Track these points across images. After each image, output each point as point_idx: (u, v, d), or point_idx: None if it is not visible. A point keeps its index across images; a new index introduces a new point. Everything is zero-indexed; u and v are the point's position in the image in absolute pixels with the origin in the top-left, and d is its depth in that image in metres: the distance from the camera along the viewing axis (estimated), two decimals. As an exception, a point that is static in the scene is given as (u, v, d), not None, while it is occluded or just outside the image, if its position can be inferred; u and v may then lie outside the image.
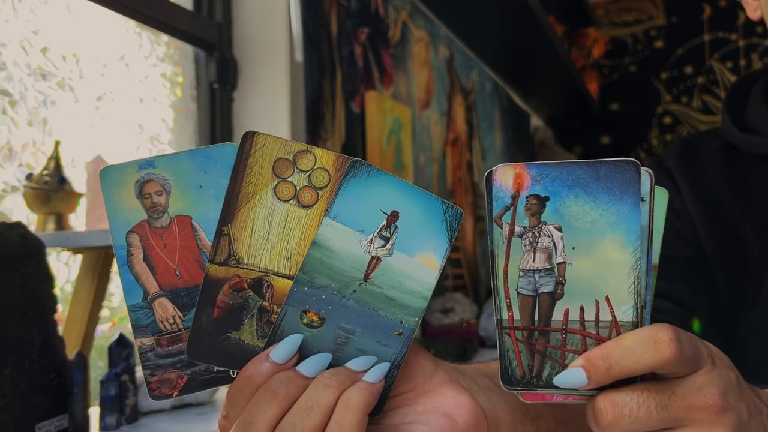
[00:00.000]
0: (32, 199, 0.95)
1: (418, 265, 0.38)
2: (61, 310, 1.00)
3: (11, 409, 0.72)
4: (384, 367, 0.36)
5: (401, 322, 0.38)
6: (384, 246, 0.38)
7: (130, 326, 1.15)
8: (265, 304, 0.37)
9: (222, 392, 1.12)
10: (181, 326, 0.38)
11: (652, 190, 0.34)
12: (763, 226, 0.67)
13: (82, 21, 1.16)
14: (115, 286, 1.18)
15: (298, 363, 0.36)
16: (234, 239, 0.37)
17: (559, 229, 0.34)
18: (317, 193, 0.38)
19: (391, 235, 0.38)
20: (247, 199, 0.37)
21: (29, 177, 0.97)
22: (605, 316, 0.34)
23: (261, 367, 0.35)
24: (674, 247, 0.68)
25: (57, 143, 0.99)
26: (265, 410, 0.34)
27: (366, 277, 0.37)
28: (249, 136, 0.37)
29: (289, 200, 0.38)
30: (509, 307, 0.35)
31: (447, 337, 1.69)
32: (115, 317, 1.18)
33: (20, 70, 1.04)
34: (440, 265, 0.38)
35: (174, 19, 1.34)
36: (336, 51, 1.61)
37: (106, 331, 1.15)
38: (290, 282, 0.37)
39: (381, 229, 0.38)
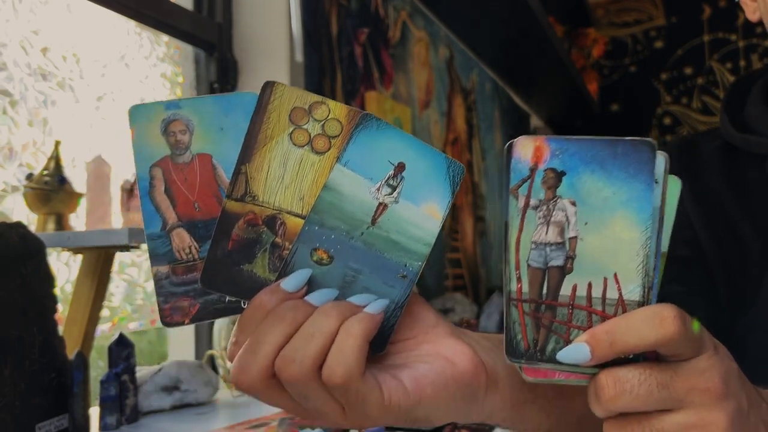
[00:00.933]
0: (32, 199, 0.95)
1: (423, 214, 0.40)
2: (61, 310, 1.00)
3: (11, 409, 0.72)
4: (384, 302, 0.38)
5: (405, 265, 0.40)
6: (391, 194, 0.40)
7: (130, 326, 1.15)
8: (278, 240, 0.39)
9: (222, 393, 1.12)
10: (196, 256, 0.39)
11: (665, 173, 0.34)
12: (762, 226, 0.67)
13: (82, 21, 1.17)
14: (116, 286, 1.19)
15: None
16: (251, 178, 0.39)
17: (574, 204, 0.34)
18: (330, 141, 0.40)
19: (398, 184, 0.40)
20: (265, 142, 0.39)
21: (29, 177, 0.97)
22: (612, 294, 0.34)
23: (272, 295, 0.37)
24: (673, 246, 0.68)
25: (57, 143, 0.99)
26: (271, 332, 0.36)
27: (373, 221, 0.39)
28: (269, 86, 0.40)
29: (304, 146, 0.40)
30: (518, 279, 0.35)
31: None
32: (115, 317, 1.18)
33: (20, 70, 1.04)
34: (443, 215, 0.40)
35: (174, 19, 1.34)
36: (336, 51, 1.61)
37: (106, 331, 1.15)
38: (302, 221, 0.39)
39: (388, 177, 0.40)
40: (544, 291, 0.35)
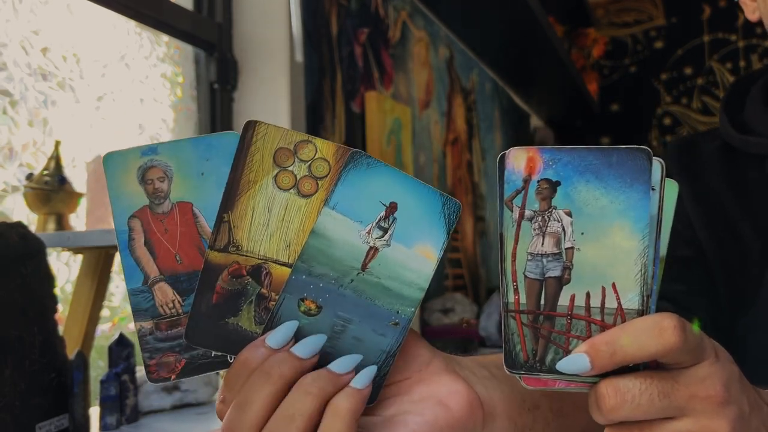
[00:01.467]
0: (32, 199, 0.95)
1: (416, 256, 0.38)
2: (62, 310, 1.00)
3: (11, 409, 0.72)
4: (371, 371, 0.37)
5: (398, 312, 0.38)
6: (382, 237, 0.38)
7: (130, 326, 1.15)
8: (264, 291, 0.38)
9: (222, 392, 1.12)
10: (180, 311, 0.38)
11: (662, 179, 0.34)
12: (762, 226, 0.67)
13: (82, 21, 1.17)
14: (116, 286, 1.18)
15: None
16: (234, 226, 0.38)
17: (569, 214, 0.34)
18: (317, 183, 0.38)
19: (390, 226, 0.38)
20: (248, 187, 0.38)
21: (29, 177, 0.97)
22: (611, 303, 0.34)
23: (257, 352, 0.36)
24: (673, 246, 0.68)
25: (57, 143, 0.99)
26: (259, 391, 0.35)
27: (364, 267, 0.38)
28: (251, 126, 0.38)
29: (289, 189, 0.38)
30: (516, 290, 0.35)
31: (447, 337, 1.69)
32: (115, 317, 1.18)
33: (21, 70, 1.04)
34: (438, 256, 0.38)
35: (174, 19, 1.34)
36: (336, 51, 1.61)
37: (107, 331, 1.15)
38: (288, 270, 0.38)
39: (379, 219, 0.38)
40: (542, 302, 0.35)
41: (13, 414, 0.72)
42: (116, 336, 0.93)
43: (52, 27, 1.10)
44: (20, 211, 1.02)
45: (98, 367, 1.12)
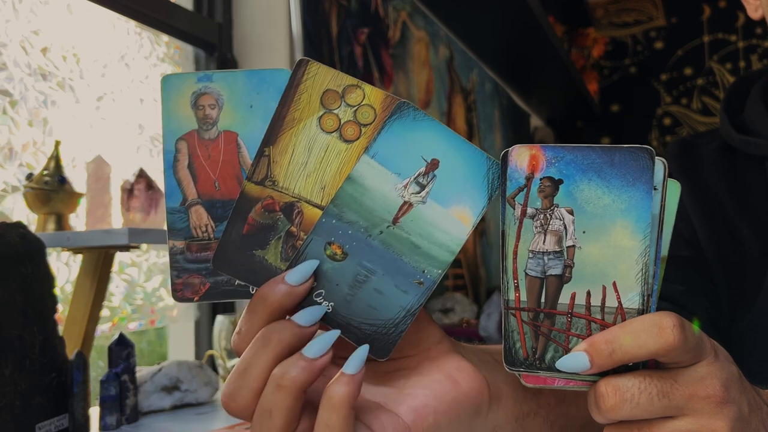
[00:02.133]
0: (32, 199, 0.95)
1: (451, 218, 0.37)
2: (62, 310, 1.00)
3: (11, 409, 0.72)
4: (361, 353, 0.35)
5: (424, 271, 0.37)
6: (419, 192, 0.37)
7: (130, 326, 1.15)
8: (293, 229, 0.38)
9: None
10: (212, 235, 0.39)
11: (665, 179, 0.34)
12: (761, 226, 0.67)
13: (82, 21, 1.17)
14: (116, 286, 1.19)
15: (312, 289, 0.37)
16: (273, 161, 0.38)
17: (571, 213, 0.34)
18: (360, 129, 0.38)
19: (428, 183, 0.37)
20: (292, 125, 0.38)
21: (29, 177, 0.97)
22: (611, 302, 0.34)
23: (275, 288, 0.36)
24: (673, 247, 0.68)
25: (57, 143, 0.99)
26: (259, 356, 0.35)
27: (395, 221, 0.37)
28: (303, 64, 0.38)
29: (332, 132, 0.38)
30: (516, 288, 0.35)
31: (447, 337, 1.69)
32: (115, 317, 1.18)
33: (20, 70, 1.04)
34: (474, 221, 0.37)
35: (174, 19, 1.34)
36: (336, 51, 1.61)
37: (107, 331, 1.15)
38: (320, 212, 0.38)
39: (418, 175, 0.37)
40: (542, 300, 0.34)
41: (13, 414, 0.72)
42: (116, 336, 0.93)
43: (52, 27, 1.10)
44: (20, 211, 1.02)
45: (98, 367, 1.12)
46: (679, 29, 3.60)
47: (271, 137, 0.38)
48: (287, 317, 0.37)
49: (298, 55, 1.43)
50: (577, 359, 0.33)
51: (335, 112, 0.38)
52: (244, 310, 0.37)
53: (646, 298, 0.33)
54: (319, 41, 1.54)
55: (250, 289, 0.39)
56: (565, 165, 0.34)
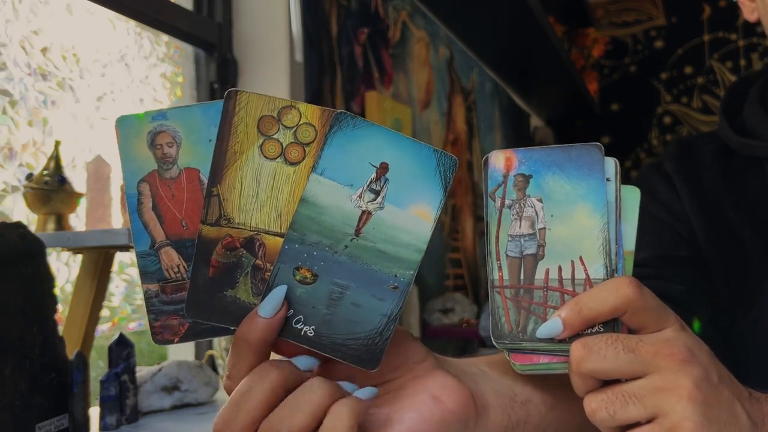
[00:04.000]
0: (32, 199, 0.95)
1: (412, 218, 0.38)
2: (61, 310, 1.00)
3: (11, 409, 0.72)
4: (373, 390, 0.37)
5: (396, 275, 0.38)
6: (374, 200, 0.37)
7: (130, 326, 1.14)
8: (259, 262, 0.38)
9: (222, 393, 1.12)
10: (185, 275, 0.39)
11: (617, 174, 0.39)
12: (761, 227, 0.67)
13: (82, 21, 1.17)
14: (115, 286, 1.19)
15: (289, 316, 0.37)
16: (224, 199, 0.38)
17: (540, 201, 0.39)
18: (304, 150, 0.38)
19: (382, 188, 0.37)
20: (234, 159, 0.37)
21: (29, 177, 0.97)
22: (580, 275, 0.38)
23: (252, 326, 0.36)
24: (673, 247, 0.68)
25: (57, 143, 0.99)
26: (256, 388, 0.35)
27: (357, 232, 0.37)
28: (232, 95, 0.37)
29: (276, 158, 0.38)
30: (500, 269, 0.40)
31: (447, 337, 1.69)
32: (115, 317, 1.18)
33: (20, 70, 1.04)
34: (435, 216, 0.38)
35: (174, 19, 1.34)
36: (336, 51, 1.61)
37: (107, 331, 1.15)
38: (281, 240, 0.38)
39: (370, 182, 0.37)
40: (522, 277, 0.39)
41: (13, 414, 0.72)
42: (116, 336, 0.93)
43: (52, 27, 1.10)
44: (20, 211, 1.02)
45: (98, 367, 1.12)
46: (679, 28, 3.60)
47: (216, 176, 0.37)
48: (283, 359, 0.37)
49: (298, 55, 1.43)
50: (552, 324, 0.37)
51: (275, 137, 0.38)
52: (229, 353, 0.37)
53: (610, 270, 0.38)
54: (319, 41, 1.54)
55: (230, 327, 0.38)
56: (533, 163, 0.40)
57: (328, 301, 0.37)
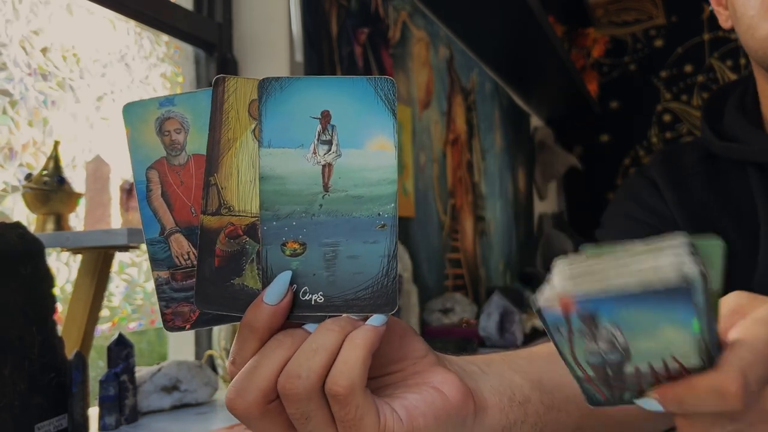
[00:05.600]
0: (31, 199, 0.95)
1: (372, 153, 0.37)
2: (61, 310, 1.00)
3: (11, 409, 0.72)
4: (383, 317, 0.36)
5: (379, 214, 0.37)
6: (329, 150, 0.37)
7: (130, 326, 1.14)
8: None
9: (221, 393, 1.12)
10: (194, 262, 0.38)
11: (705, 293, 0.30)
12: (745, 227, 0.68)
13: (82, 21, 1.17)
14: (115, 286, 1.19)
15: (294, 297, 0.37)
16: (222, 188, 0.38)
17: (618, 328, 0.32)
18: None
19: (332, 136, 0.37)
20: (229, 146, 0.37)
21: (29, 177, 0.97)
22: (673, 366, 0.33)
23: (259, 312, 0.36)
24: None
25: (56, 143, 0.99)
26: (271, 356, 0.36)
27: (326, 188, 0.37)
28: (220, 82, 0.37)
29: None
30: (584, 371, 0.34)
31: (447, 336, 1.69)
32: (115, 317, 1.18)
33: (20, 70, 1.04)
34: (394, 143, 0.37)
35: (174, 19, 1.34)
36: (336, 51, 1.61)
37: (106, 331, 1.15)
38: None
39: (319, 134, 0.37)
40: (609, 373, 0.34)
41: (13, 414, 0.72)
42: (115, 336, 0.93)
43: (52, 27, 1.10)
44: (19, 211, 1.02)
45: (98, 367, 1.12)
46: (679, 28, 3.60)
47: (212, 165, 0.37)
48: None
49: (298, 55, 1.43)
50: (651, 404, 0.34)
51: None
52: (235, 339, 0.37)
53: (706, 358, 0.32)
54: (319, 41, 1.54)
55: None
56: (598, 303, 0.31)
57: (325, 263, 0.37)
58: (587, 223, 2.28)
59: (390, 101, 0.37)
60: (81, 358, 0.83)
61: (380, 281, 0.37)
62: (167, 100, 0.38)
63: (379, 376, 0.40)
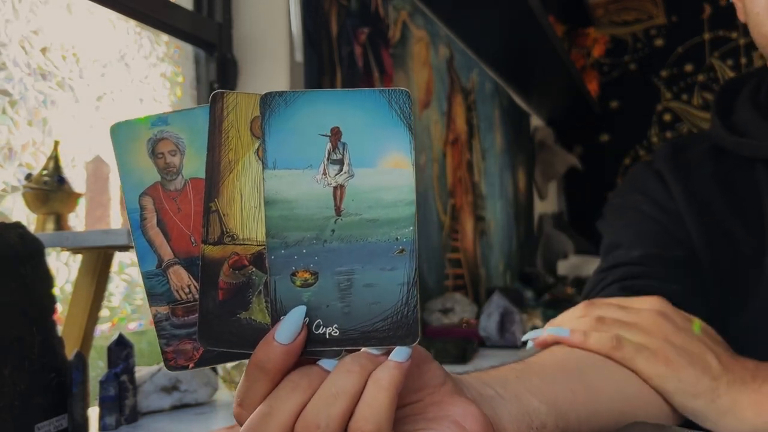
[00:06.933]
0: (31, 199, 0.95)
1: (387, 172, 0.34)
2: (61, 310, 1.00)
3: (11, 409, 0.72)
4: (407, 350, 0.33)
5: (397, 239, 0.34)
6: (340, 170, 0.34)
7: (130, 326, 1.14)
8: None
9: (221, 393, 1.12)
10: (196, 296, 0.35)
11: None
12: (753, 226, 0.68)
13: (82, 21, 1.17)
14: (115, 286, 1.19)
15: (308, 332, 0.34)
16: (224, 215, 0.34)
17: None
18: None
19: (343, 155, 0.34)
20: (230, 169, 0.34)
21: (28, 177, 0.97)
22: None
23: (269, 351, 0.33)
24: (667, 247, 0.68)
25: (56, 143, 0.99)
26: (287, 399, 0.33)
27: (338, 211, 0.34)
28: (218, 98, 0.34)
29: None
30: None
31: (447, 336, 1.69)
32: (114, 317, 1.18)
33: (20, 70, 1.04)
34: (411, 160, 0.33)
35: (174, 19, 1.34)
36: (336, 51, 1.61)
37: (106, 331, 1.15)
38: None
39: (329, 153, 0.34)
40: None
41: (13, 414, 0.72)
42: (115, 336, 0.93)
43: (52, 27, 1.10)
44: (19, 211, 1.02)
45: (97, 367, 1.12)
46: (679, 27, 3.60)
47: (212, 190, 0.34)
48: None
49: (298, 55, 1.43)
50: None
51: None
52: (242, 378, 0.35)
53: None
54: (319, 41, 1.54)
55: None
56: None
57: (339, 293, 0.34)
58: (587, 223, 2.28)
59: (405, 115, 0.34)
60: (81, 359, 0.83)
61: (400, 311, 0.34)
62: (160, 119, 0.35)
63: (397, 407, 0.37)
